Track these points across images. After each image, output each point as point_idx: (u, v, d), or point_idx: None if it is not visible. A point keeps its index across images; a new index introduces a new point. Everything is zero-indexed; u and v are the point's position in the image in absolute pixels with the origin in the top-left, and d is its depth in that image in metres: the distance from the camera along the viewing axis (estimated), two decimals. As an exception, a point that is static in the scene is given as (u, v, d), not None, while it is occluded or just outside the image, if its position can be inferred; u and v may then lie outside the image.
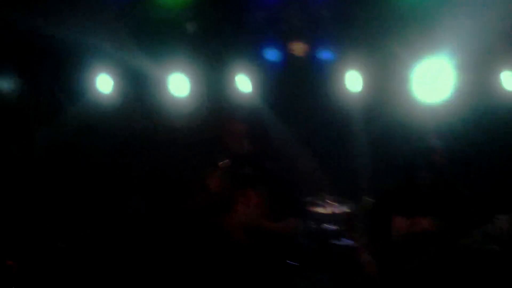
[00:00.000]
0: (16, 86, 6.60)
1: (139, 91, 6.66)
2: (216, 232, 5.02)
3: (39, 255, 5.53)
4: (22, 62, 6.50)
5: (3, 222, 5.82)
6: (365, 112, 6.43)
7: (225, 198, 5.05)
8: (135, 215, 6.03)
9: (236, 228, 5.00)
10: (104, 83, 6.66)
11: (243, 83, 6.57)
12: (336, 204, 6.14)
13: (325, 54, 6.46)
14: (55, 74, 6.64)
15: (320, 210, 6.10)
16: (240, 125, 5.23)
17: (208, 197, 5.06)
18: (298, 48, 6.45)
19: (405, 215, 4.82)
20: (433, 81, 5.73)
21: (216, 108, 6.42)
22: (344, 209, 6.07)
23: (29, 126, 6.62)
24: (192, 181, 5.24)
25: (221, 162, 5.14)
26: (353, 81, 6.34)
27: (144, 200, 6.21)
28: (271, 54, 6.52)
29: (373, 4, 6.07)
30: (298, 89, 6.73)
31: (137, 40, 6.31)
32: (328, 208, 6.11)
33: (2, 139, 6.48)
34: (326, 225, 6.04)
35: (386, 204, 4.96)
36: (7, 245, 5.54)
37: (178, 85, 6.54)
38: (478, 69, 5.70)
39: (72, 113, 6.66)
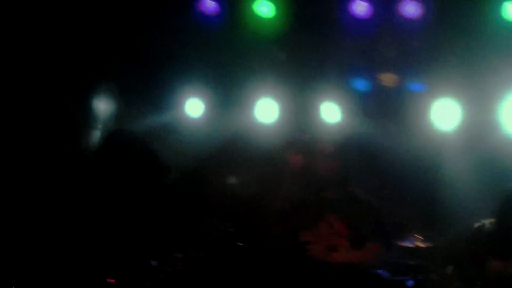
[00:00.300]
0: (113, 106, 6.82)
1: (227, 115, 6.76)
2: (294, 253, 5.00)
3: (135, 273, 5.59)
4: (118, 84, 6.73)
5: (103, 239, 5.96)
6: (455, 147, 6.27)
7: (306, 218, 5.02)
8: (219, 236, 6.06)
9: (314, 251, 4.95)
10: (194, 107, 6.84)
11: (331, 111, 6.57)
12: (422, 238, 5.98)
13: (415, 86, 6.38)
14: (148, 98, 6.83)
15: (406, 244, 5.95)
16: (327, 150, 5.23)
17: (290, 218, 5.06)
18: (388, 78, 6.41)
19: (497, 256, 4.65)
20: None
21: (301, 133, 6.44)
22: (431, 244, 5.90)
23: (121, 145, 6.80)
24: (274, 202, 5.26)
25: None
26: (442, 114, 6.23)
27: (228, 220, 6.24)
28: (361, 84, 6.50)
29: (465, 38, 6.00)
30: (386, 120, 6.64)
31: (227, 65, 6.47)
32: (415, 242, 5.95)
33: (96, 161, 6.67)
34: (411, 260, 5.89)
35: (477, 242, 4.78)
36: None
37: (266, 110, 6.64)
38: None
39: (161, 135, 6.83)
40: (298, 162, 5.44)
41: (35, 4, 5.88)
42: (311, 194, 5.24)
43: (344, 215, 5.07)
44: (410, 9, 5.76)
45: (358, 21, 5.98)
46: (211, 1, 6.21)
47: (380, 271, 5.50)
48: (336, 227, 5.05)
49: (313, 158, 5.39)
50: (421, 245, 5.91)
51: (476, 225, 4.87)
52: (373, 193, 5.68)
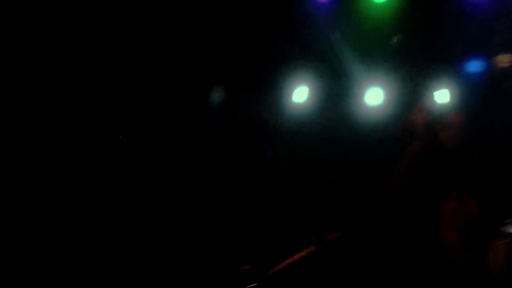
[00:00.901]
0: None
1: (335, 100, 6.76)
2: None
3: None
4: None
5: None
6: None
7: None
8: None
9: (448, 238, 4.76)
10: (303, 95, 6.86)
11: (442, 96, 6.48)
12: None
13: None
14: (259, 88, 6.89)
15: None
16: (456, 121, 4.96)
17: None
18: (504, 59, 6.27)
19: None
20: None
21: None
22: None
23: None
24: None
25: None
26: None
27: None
28: (476, 66, 6.38)
29: None
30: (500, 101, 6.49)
31: (339, 52, 6.47)
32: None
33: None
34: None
35: None
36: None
37: (374, 96, 6.62)
38: None
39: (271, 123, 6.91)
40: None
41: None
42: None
43: (476, 196, 4.70)
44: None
45: (474, 3, 5.87)
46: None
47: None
48: (468, 205, 4.67)
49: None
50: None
51: None
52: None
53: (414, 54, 6.34)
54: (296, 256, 5.07)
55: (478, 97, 6.39)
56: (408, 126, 5.10)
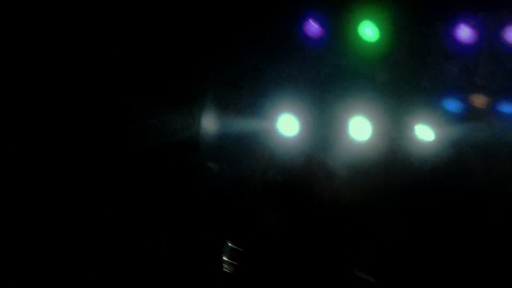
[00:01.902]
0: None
1: (321, 133, 6.98)
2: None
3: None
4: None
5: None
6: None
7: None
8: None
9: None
10: (287, 125, 7.07)
11: (423, 132, 6.80)
12: None
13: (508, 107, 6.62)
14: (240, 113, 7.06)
15: None
16: None
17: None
18: (480, 99, 6.65)
19: None
20: None
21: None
22: None
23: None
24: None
25: None
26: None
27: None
28: (454, 105, 6.74)
29: None
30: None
31: (325, 86, 6.75)
32: None
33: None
34: None
35: None
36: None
37: (360, 129, 6.88)
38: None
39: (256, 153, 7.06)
40: None
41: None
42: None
43: None
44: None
45: (460, 45, 6.24)
46: (314, 25, 6.52)
47: None
48: None
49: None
50: None
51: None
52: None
53: (399, 91, 6.67)
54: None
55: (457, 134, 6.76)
56: None
